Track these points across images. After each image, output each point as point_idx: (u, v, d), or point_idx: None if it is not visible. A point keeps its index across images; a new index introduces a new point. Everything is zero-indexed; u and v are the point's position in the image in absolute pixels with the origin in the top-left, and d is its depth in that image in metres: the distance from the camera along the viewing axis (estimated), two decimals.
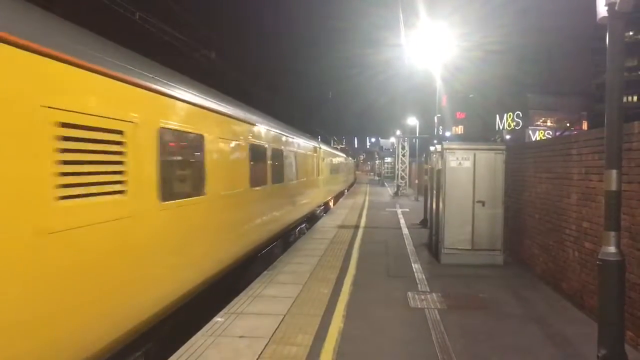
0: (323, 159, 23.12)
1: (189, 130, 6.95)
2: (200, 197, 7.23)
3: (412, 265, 10.68)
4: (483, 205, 10.46)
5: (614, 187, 4.93)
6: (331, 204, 28.33)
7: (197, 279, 7.04)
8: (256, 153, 10.45)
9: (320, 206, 22.39)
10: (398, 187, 35.66)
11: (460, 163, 10.58)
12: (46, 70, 4.06)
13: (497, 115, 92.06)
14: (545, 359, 5.69)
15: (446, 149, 10.74)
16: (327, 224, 17.93)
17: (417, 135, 37.22)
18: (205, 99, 7.67)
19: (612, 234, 4.93)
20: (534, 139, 74.55)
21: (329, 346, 5.91)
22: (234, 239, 8.95)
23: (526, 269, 10.10)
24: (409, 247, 12.95)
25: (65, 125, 4.20)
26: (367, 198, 32.02)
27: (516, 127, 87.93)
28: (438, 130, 18.15)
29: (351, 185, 52.15)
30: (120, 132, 5.02)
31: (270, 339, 6.10)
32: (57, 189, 4.11)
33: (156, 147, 5.78)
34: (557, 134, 59.27)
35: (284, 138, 13.63)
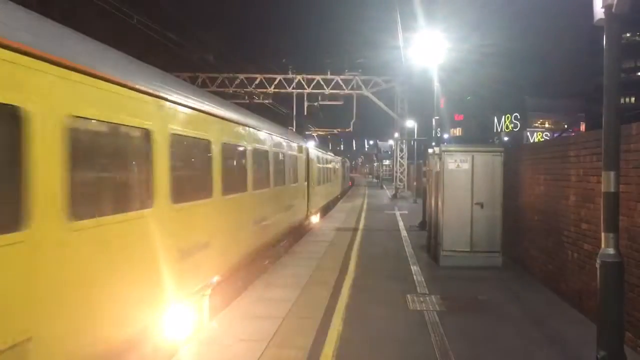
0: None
1: None
2: None
3: (411, 267, 10.68)
4: (481, 207, 10.46)
5: (612, 188, 4.94)
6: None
7: None
8: None
9: None
10: (396, 189, 35.68)
11: (458, 165, 10.58)
12: None
13: (495, 117, 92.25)
14: None
15: (444, 151, 10.75)
16: (326, 226, 17.93)
17: (416, 137, 37.29)
18: None
19: (611, 235, 4.93)
20: (532, 141, 74.68)
21: (329, 349, 5.90)
22: None
23: (525, 270, 10.10)
24: (408, 249, 12.95)
25: None
26: (365, 200, 32.03)
27: (514, 129, 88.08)
28: (436, 132, 18.15)
29: (344, 193, 41.47)
30: None
31: (269, 342, 6.09)
32: None
33: None
34: (555, 135, 59.39)
35: None
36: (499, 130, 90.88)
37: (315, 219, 21.00)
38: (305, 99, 34.64)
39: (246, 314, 7.24)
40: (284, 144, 13.66)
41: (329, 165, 28.71)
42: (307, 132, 31.72)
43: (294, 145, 15.57)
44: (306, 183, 17.84)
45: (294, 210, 15.29)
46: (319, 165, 22.71)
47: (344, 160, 48.35)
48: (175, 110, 6.30)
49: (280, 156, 13.05)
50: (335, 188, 33.07)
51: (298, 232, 16.32)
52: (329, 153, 29.76)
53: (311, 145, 20.53)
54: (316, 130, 36.64)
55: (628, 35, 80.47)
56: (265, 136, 11.32)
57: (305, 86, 33.33)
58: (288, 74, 33.01)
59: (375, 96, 33.58)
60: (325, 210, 25.08)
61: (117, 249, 4.83)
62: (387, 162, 65.60)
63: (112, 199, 5.10)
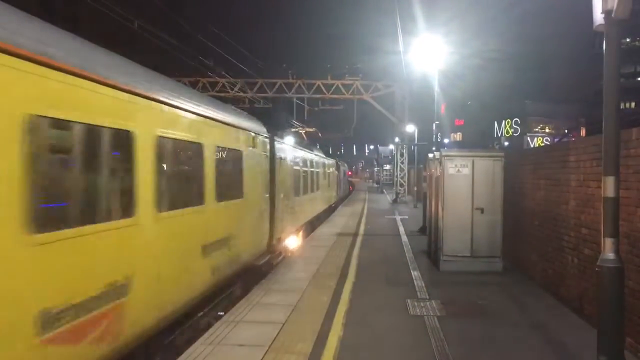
0: None
1: None
2: None
3: (412, 272, 10.66)
4: (482, 212, 10.45)
5: (612, 193, 4.94)
6: None
7: None
8: None
9: None
10: (397, 194, 35.64)
11: (458, 170, 10.58)
12: None
13: (496, 122, 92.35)
14: None
15: (445, 156, 10.75)
16: (326, 231, 17.91)
17: (416, 142, 37.31)
18: None
19: (611, 240, 4.93)
20: (532, 146, 74.67)
21: (329, 354, 5.89)
22: None
23: (525, 275, 10.08)
24: (408, 254, 12.93)
25: None
26: (366, 205, 32.01)
27: (514, 134, 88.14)
28: (436, 137, 18.19)
29: (341, 201, 36.30)
30: None
31: (269, 347, 6.07)
32: None
33: None
34: (556, 140, 59.43)
35: None
36: (499, 135, 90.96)
37: (291, 242, 15.14)
38: (305, 103, 34.71)
39: (246, 318, 7.23)
40: (204, 127, 7.66)
41: (317, 169, 22.61)
42: (293, 130, 25.97)
43: (239, 134, 9.48)
44: (267, 195, 11.65)
45: (239, 244, 9.16)
46: (297, 167, 16.55)
47: (340, 163, 39.56)
48: None
49: (195, 152, 7.40)
50: (327, 196, 27.30)
51: (250, 276, 10.11)
52: (316, 152, 23.35)
53: (289, 141, 15.12)
54: (304, 128, 30.55)
55: (628, 40, 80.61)
56: (143, 108, 5.76)
57: (306, 91, 33.37)
58: (288, 78, 33.05)
59: (375, 101, 33.64)
60: (312, 226, 19.77)
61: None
62: (387, 166, 65.57)
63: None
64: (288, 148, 14.70)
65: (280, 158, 13.21)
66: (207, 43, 20.59)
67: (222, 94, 31.01)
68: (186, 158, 7.37)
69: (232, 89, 32.12)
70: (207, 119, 7.78)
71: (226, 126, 8.72)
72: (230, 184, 8.93)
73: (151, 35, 16.04)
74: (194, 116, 7.27)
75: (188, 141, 7.12)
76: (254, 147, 10.36)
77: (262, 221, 11.09)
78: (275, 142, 12.64)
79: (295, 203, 15.80)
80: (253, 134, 10.40)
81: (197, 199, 7.38)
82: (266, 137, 11.64)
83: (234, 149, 9.20)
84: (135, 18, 15.02)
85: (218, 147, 8.18)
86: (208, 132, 7.81)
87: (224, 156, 8.60)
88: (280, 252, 13.16)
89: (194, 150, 7.40)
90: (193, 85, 30.13)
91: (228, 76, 29.80)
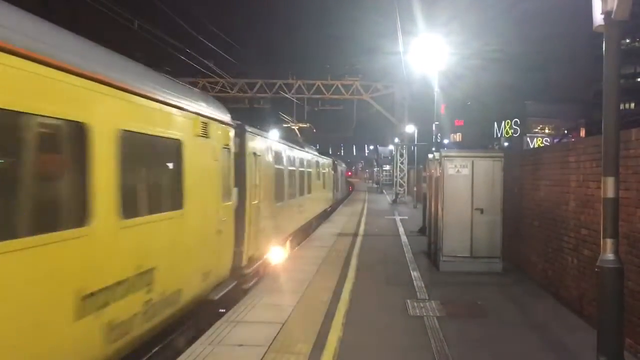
0: None
1: None
2: None
3: (411, 272, 10.66)
4: (482, 212, 10.45)
5: (611, 194, 4.94)
6: None
7: None
8: None
9: None
10: (396, 194, 35.64)
11: (458, 170, 10.58)
12: None
13: (495, 123, 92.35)
14: None
15: (444, 156, 10.76)
16: (326, 231, 17.90)
17: (416, 142, 37.32)
18: None
19: (610, 241, 4.93)
20: (531, 147, 74.64)
21: (328, 354, 5.88)
22: None
23: (525, 276, 10.08)
24: (408, 254, 12.93)
25: None
26: (365, 205, 32.01)
27: (514, 135, 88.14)
28: (436, 137, 18.19)
29: (339, 203, 33.87)
30: None
31: (269, 347, 6.06)
32: None
33: None
34: (555, 141, 59.40)
35: None
36: (499, 135, 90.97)
37: (274, 256, 12.77)
38: (305, 104, 34.79)
39: (245, 319, 7.23)
40: (94, 98, 4.76)
41: (309, 169, 19.94)
42: (285, 125, 24.37)
43: (175, 116, 6.57)
44: (231, 203, 8.89)
45: (176, 278, 6.46)
46: (281, 167, 14.07)
47: (337, 163, 35.71)
48: None
49: (68, 137, 4.51)
50: (323, 198, 24.77)
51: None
52: (308, 149, 20.78)
53: (272, 135, 13.11)
54: (297, 124, 27.07)
55: (628, 40, 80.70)
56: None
57: (305, 91, 33.41)
58: (288, 79, 33.09)
59: (375, 101, 33.71)
60: (306, 233, 17.71)
61: None
62: (387, 167, 65.48)
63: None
64: (268, 143, 12.29)
65: (255, 154, 10.80)
66: (206, 43, 20.58)
67: (222, 94, 31.06)
68: (41, 148, 4.17)
69: (232, 89, 32.15)
70: (102, 85, 4.89)
71: (145, 100, 5.79)
72: (155, 189, 6.36)
73: (150, 34, 16.06)
74: (67, 76, 4.35)
75: (44, 116, 4.11)
76: (205, 137, 7.54)
77: (220, 238, 8.23)
78: (248, 135, 10.20)
79: (278, 210, 13.46)
80: (204, 118, 7.50)
81: (72, 216, 4.52)
82: (230, 126, 8.97)
83: (164, 137, 6.28)
84: (134, 18, 15.04)
85: (126, 131, 5.26)
86: (102, 106, 4.93)
87: (141, 147, 5.92)
88: (257, 271, 10.74)
89: (65, 134, 4.50)
90: (193, 85, 30.11)
91: (228, 76, 29.86)
